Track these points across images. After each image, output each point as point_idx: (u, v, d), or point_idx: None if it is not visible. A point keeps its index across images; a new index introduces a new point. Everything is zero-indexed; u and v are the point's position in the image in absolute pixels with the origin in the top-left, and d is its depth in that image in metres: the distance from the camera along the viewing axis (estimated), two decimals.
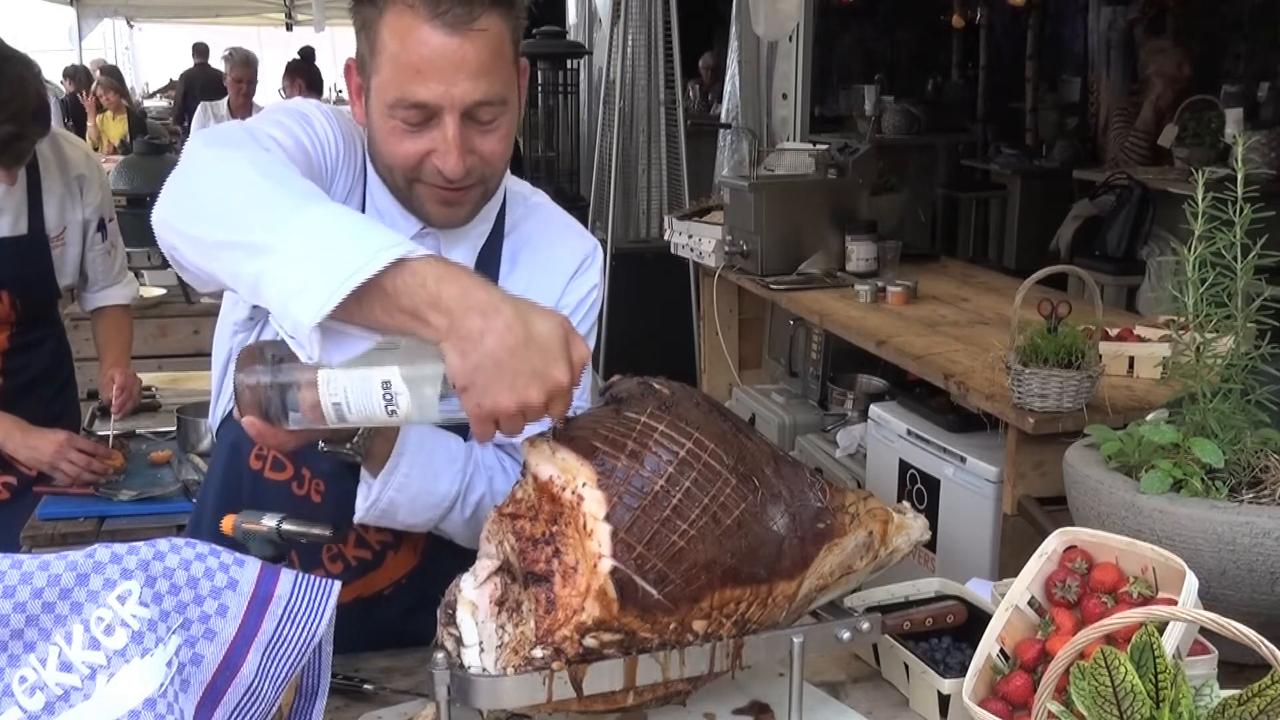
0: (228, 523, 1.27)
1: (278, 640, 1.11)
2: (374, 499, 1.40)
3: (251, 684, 1.10)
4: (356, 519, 1.43)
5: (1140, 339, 2.82)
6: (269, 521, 1.26)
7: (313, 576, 1.15)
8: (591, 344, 1.53)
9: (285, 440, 1.22)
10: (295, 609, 1.12)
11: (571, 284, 1.56)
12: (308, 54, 7.00)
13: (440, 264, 1.11)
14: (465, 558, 1.24)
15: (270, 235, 1.12)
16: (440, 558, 1.54)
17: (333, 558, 1.55)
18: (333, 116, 1.45)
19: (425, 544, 1.57)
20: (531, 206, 1.59)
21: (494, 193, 1.48)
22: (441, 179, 1.36)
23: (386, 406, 1.11)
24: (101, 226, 2.71)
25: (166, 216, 1.23)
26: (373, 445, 1.37)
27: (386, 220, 1.44)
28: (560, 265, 1.56)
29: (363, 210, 1.46)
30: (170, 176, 1.25)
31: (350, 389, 1.11)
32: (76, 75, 10.91)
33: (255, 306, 1.45)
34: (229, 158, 1.23)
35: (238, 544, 1.26)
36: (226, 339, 1.55)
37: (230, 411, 1.56)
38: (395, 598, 1.58)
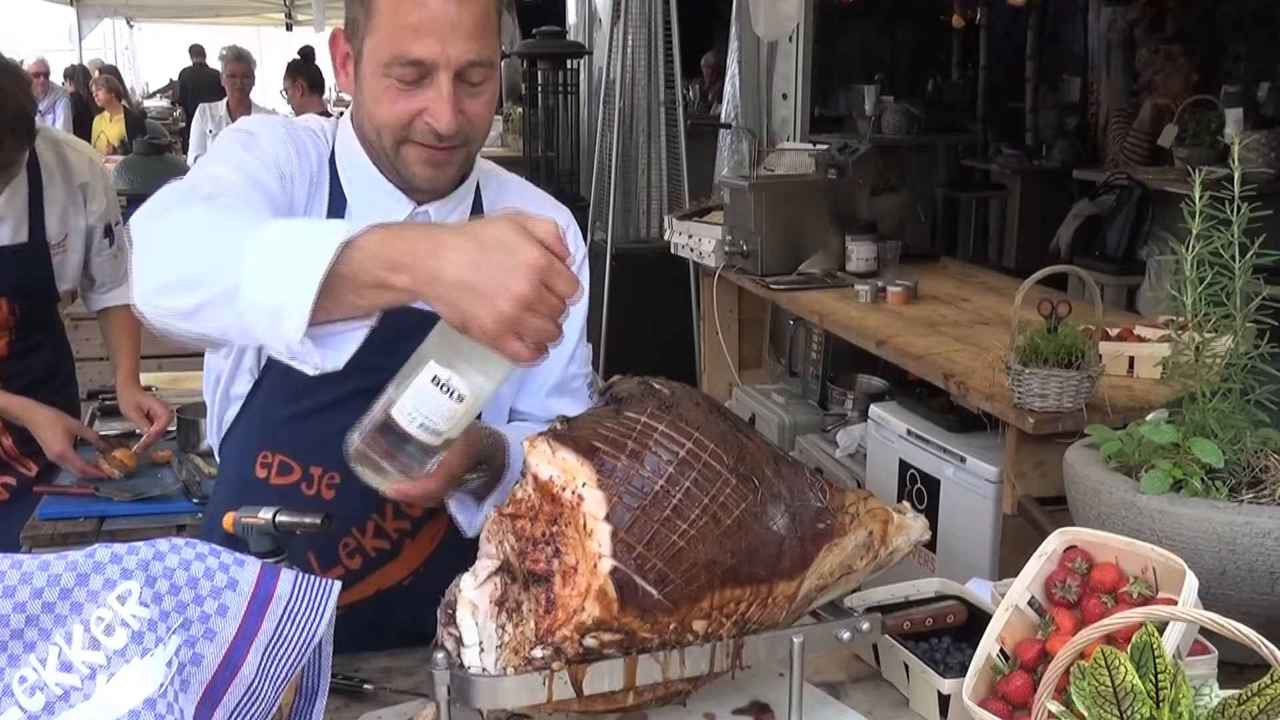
0: (228, 520, 1.31)
1: (278, 640, 1.11)
2: (486, 509, 1.48)
3: (251, 684, 1.10)
4: (470, 534, 1.50)
5: (1140, 339, 2.82)
6: (265, 514, 1.30)
7: (313, 576, 1.15)
8: (585, 309, 1.62)
9: (432, 487, 1.34)
10: (295, 609, 1.12)
11: None
12: (308, 54, 6.99)
13: (382, 230, 1.13)
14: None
15: (230, 278, 1.14)
16: (457, 543, 1.55)
17: (350, 553, 1.57)
18: (278, 127, 1.49)
19: (443, 531, 1.59)
20: (504, 181, 1.65)
21: (474, 159, 1.54)
22: (432, 137, 1.41)
23: (452, 396, 1.14)
24: (109, 232, 2.69)
25: (144, 299, 1.23)
26: (492, 460, 1.47)
27: (374, 202, 1.49)
28: None
29: (342, 200, 1.50)
30: (131, 257, 1.27)
31: (418, 405, 1.15)
32: (75, 75, 10.90)
33: None
34: (171, 223, 1.25)
35: (240, 541, 1.28)
36: (217, 359, 1.58)
37: (230, 429, 1.59)
38: (415, 587, 1.59)
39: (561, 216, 1.64)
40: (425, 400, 1.15)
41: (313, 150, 1.51)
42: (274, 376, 1.52)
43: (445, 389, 1.14)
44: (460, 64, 1.38)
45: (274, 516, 1.30)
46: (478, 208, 1.58)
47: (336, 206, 1.50)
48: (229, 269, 1.14)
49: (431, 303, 1.11)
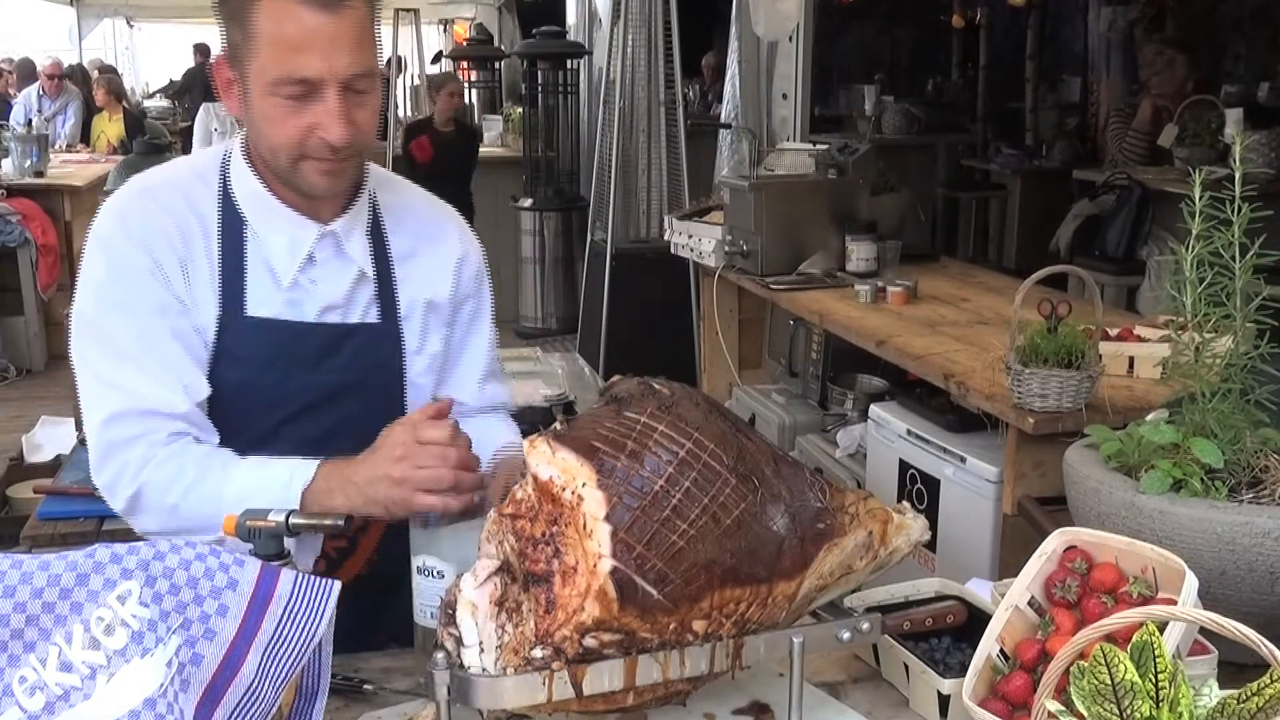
0: (229, 523, 1.29)
1: (278, 640, 1.11)
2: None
3: (251, 684, 1.10)
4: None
5: (1140, 339, 2.81)
6: (276, 516, 1.28)
7: (312, 576, 1.15)
8: (490, 299, 1.74)
9: None
10: (295, 609, 1.12)
11: (462, 278, 1.69)
12: None
13: (324, 474, 1.44)
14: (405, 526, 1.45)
15: (218, 534, 1.36)
16: (398, 529, 1.57)
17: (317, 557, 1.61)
18: (134, 225, 1.51)
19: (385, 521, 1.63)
20: (397, 186, 1.69)
21: (364, 164, 1.58)
22: (327, 150, 1.45)
23: (438, 576, 1.38)
24: None
25: (149, 534, 1.50)
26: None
27: (278, 227, 1.53)
28: (444, 260, 1.67)
29: (239, 224, 1.53)
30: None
31: (425, 600, 1.38)
32: (75, 75, 10.90)
33: None
34: (129, 480, 1.49)
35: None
36: None
37: None
38: (373, 575, 1.64)
39: (451, 221, 1.72)
40: (424, 592, 1.39)
41: (182, 206, 1.52)
42: (218, 412, 1.55)
43: (430, 574, 1.38)
44: (346, 77, 1.42)
45: (287, 518, 1.29)
46: (376, 215, 1.61)
47: (233, 236, 1.53)
48: (212, 525, 1.38)
49: (366, 510, 1.42)
